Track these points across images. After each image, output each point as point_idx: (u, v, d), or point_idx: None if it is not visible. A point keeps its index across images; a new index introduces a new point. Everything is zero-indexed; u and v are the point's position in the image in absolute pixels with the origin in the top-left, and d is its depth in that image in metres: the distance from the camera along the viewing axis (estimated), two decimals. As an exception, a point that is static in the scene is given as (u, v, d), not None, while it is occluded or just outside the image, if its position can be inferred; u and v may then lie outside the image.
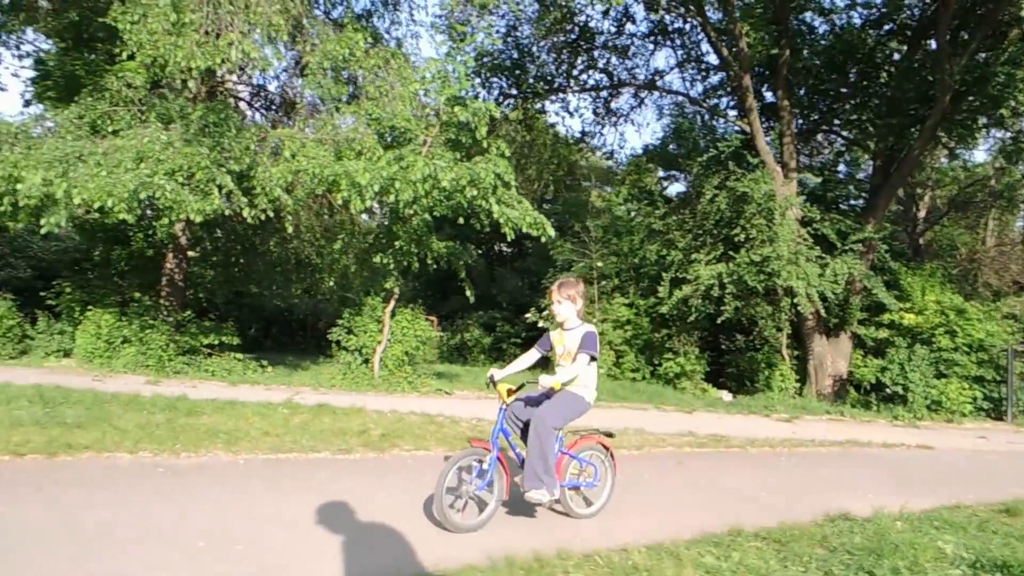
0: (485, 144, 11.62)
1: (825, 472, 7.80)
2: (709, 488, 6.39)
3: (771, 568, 3.93)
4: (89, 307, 12.26)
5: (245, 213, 10.04)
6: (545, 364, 5.62)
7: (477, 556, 3.76)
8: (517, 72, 16.76)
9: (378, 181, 10.21)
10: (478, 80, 13.14)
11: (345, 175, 10.10)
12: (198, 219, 9.50)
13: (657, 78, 18.13)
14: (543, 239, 11.47)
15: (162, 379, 10.59)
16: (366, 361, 12.12)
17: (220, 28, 9.58)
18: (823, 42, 17.37)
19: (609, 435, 5.20)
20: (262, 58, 10.16)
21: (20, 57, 13.40)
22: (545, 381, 4.34)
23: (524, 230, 11.12)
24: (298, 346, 17.23)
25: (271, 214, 10.58)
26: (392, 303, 12.07)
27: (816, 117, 18.68)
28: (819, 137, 19.88)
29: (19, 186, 9.38)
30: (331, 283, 13.18)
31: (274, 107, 14.73)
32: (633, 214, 20.65)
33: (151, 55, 9.76)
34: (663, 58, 54.24)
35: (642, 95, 18.60)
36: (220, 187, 9.86)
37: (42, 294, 13.09)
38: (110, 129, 10.91)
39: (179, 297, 12.90)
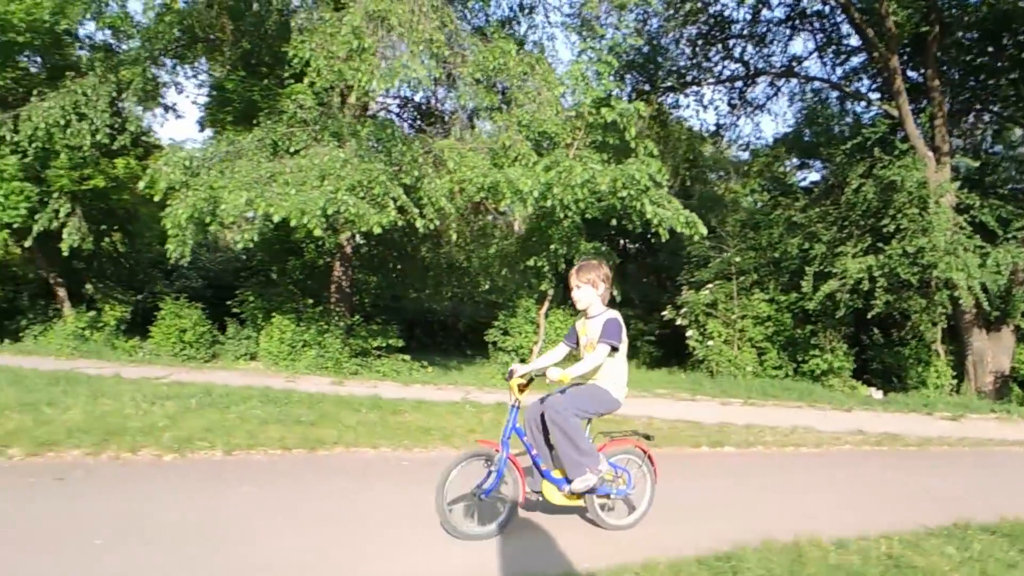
0: (633, 144, 12.10)
1: (1019, 472, 7.83)
2: (905, 485, 6.65)
3: (1013, 559, 4.26)
4: (272, 314, 13.64)
5: (418, 223, 10.96)
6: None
7: (714, 546, 4.27)
8: (650, 67, 17.08)
9: (537, 187, 10.91)
10: (611, 78, 13.52)
11: (507, 182, 10.85)
12: (377, 231, 10.50)
13: (795, 64, 17.95)
14: (696, 237, 11.82)
15: (344, 380, 11.72)
16: (522, 361, 12.89)
17: (394, 51, 10.51)
18: (975, 14, 16.64)
19: (647, 437, 4.75)
20: (425, 74, 10.98)
21: (200, 86, 15.07)
22: (553, 374, 4.00)
23: (678, 230, 11.52)
24: (439, 347, 18.29)
25: (436, 223, 11.47)
26: (546, 304, 12.78)
27: (967, 96, 17.94)
28: (971, 117, 19.04)
29: (222, 206, 10.70)
30: (486, 286, 14.08)
31: (420, 118, 15.74)
32: (761, 205, 20.51)
33: (329, 80, 10.86)
34: (801, 43, 52.54)
35: (779, 83, 18.48)
36: (394, 199, 10.81)
37: (228, 303, 14.65)
38: (290, 149, 12.11)
39: (347, 303, 14.14)
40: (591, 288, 4.32)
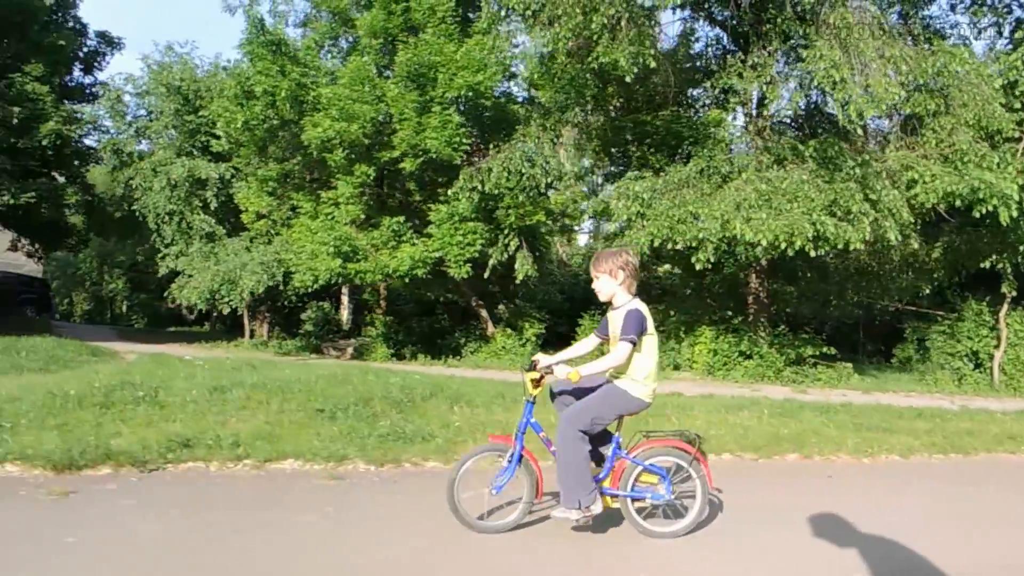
0: None
1: None
2: None
3: None
4: (695, 327, 15.24)
5: (890, 235, 11.75)
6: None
7: None
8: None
9: (1015, 189, 11.18)
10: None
11: (986, 186, 11.24)
12: (856, 246, 11.48)
13: None
14: None
15: (806, 388, 12.79)
16: (978, 366, 13.13)
17: (869, 75, 11.40)
18: None
19: (695, 437, 4.55)
20: (893, 92, 11.61)
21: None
22: (559, 371, 4.01)
23: None
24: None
25: (896, 234, 12.12)
26: (1005, 306, 12.90)
27: None
28: None
29: (694, 233, 12.33)
30: (927, 289, 14.51)
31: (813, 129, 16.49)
32: None
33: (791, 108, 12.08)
34: None
35: None
36: (864, 215, 11.70)
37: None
38: (728, 174, 13.52)
39: (765, 313, 15.34)
40: (609, 278, 4.19)
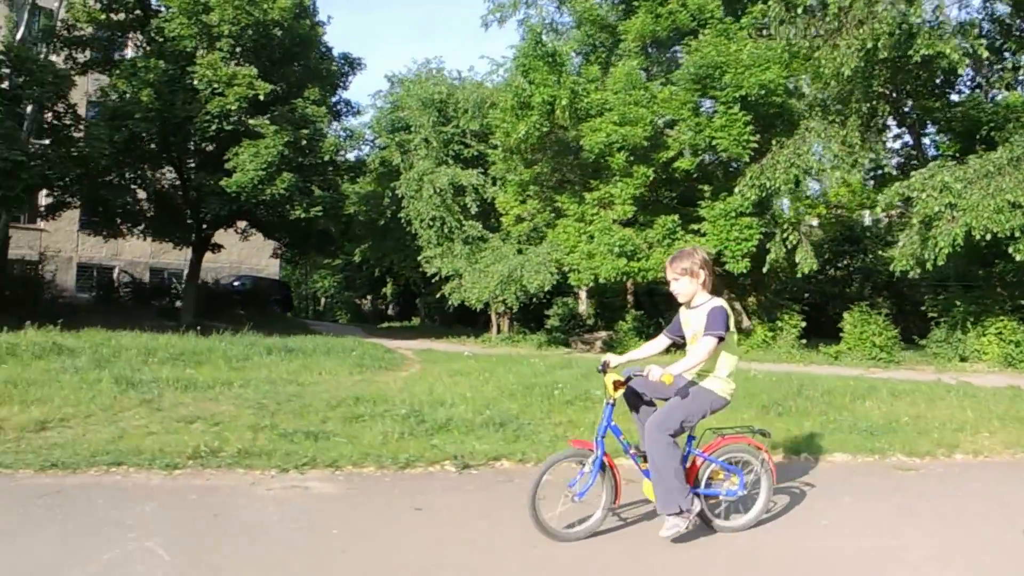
0: None
1: None
2: None
3: None
4: (985, 317, 15.04)
5: None
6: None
7: None
8: None
9: None
10: None
11: None
12: None
13: None
14: None
15: None
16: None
17: None
18: None
19: (764, 434, 4.53)
20: None
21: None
22: (654, 373, 3.84)
23: None
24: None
25: None
26: None
27: None
28: None
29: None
30: None
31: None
32: None
33: None
34: None
35: None
36: None
37: (922, 308, 16.51)
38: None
39: (1068, 301, 14.99)
40: (689, 278, 4.11)
